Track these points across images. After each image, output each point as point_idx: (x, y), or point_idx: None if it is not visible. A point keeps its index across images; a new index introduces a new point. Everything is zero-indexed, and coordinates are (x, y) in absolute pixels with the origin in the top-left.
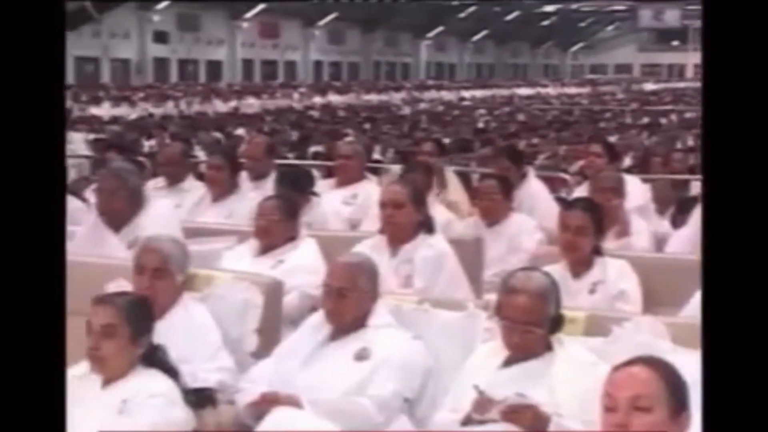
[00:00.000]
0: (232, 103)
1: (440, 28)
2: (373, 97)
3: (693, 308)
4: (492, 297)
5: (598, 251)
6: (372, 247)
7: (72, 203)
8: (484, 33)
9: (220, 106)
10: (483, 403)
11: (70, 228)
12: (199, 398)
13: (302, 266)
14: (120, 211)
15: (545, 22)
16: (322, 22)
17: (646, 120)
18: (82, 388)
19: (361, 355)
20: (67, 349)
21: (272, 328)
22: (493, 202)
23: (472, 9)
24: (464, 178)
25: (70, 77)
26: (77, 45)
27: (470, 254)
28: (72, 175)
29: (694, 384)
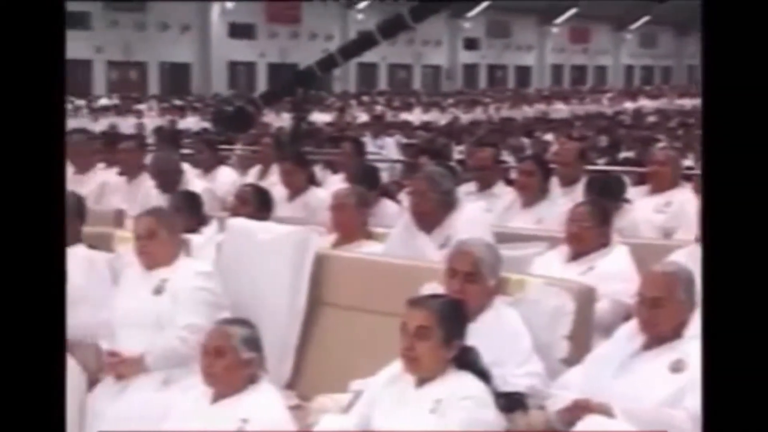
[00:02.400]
0: (541, 108)
1: None
2: (686, 102)
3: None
4: None
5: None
6: (688, 256)
7: (387, 206)
8: None
9: (528, 112)
10: None
11: (384, 230)
12: (510, 402)
13: (614, 273)
14: (432, 213)
15: None
16: (633, 26)
17: None
18: (396, 387)
19: (677, 367)
20: (381, 349)
21: (583, 335)
22: None
23: None
24: None
25: (383, 84)
26: (391, 53)
27: None
28: (384, 178)
29: None
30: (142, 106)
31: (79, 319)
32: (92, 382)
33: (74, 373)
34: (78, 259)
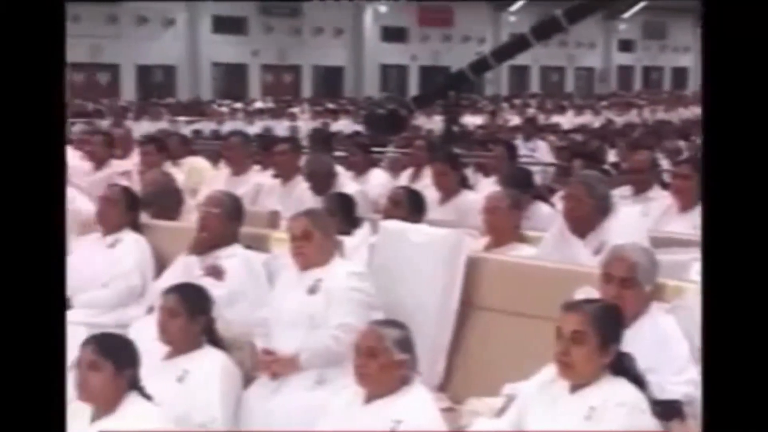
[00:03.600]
0: (698, 111)
1: None
2: None
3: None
4: None
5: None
6: None
7: (540, 209)
8: None
9: (684, 114)
10: None
11: (537, 234)
12: (666, 410)
13: None
14: (587, 218)
15: None
16: None
17: None
18: (549, 393)
19: None
20: (534, 353)
21: None
22: None
23: None
24: None
25: (535, 86)
26: (543, 55)
27: None
28: (537, 181)
29: None
30: (295, 109)
31: (236, 317)
32: (248, 380)
33: (231, 370)
34: (235, 259)
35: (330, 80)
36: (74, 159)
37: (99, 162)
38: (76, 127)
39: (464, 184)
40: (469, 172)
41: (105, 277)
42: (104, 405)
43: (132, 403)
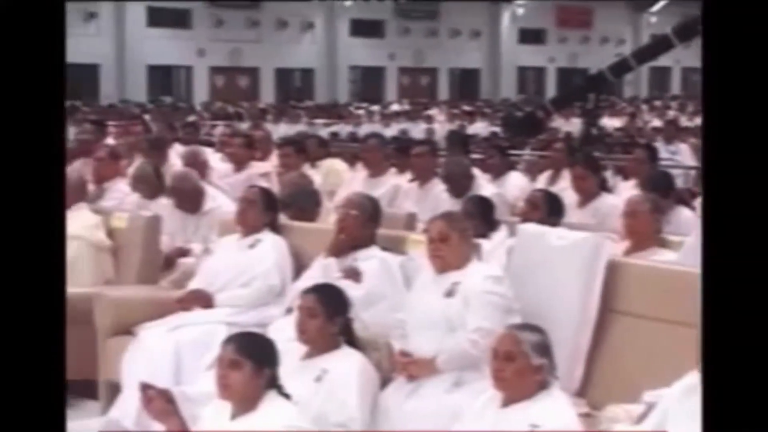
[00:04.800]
0: None
1: None
2: None
3: None
4: None
5: None
6: None
7: (682, 213)
8: None
9: None
10: None
11: (678, 238)
12: None
13: None
14: None
15: None
16: None
17: None
18: (693, 401)
19: None
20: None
21: None
22: None
23: None
24: None
25: (675, 88)
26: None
27: None
28: (679, 184)
29: None
30: (432, 112)
31: (373, 318)
32: (384, 382)
33: (368, 371)
34: (373, 260)
35: (466, 82)
36: (215, 160)
37: (239, 163)
38: (217, 130)
39: (603, 187)
40: (609, 175)
41: (245, 277)
42: (243, 403)
43: (271, 401)
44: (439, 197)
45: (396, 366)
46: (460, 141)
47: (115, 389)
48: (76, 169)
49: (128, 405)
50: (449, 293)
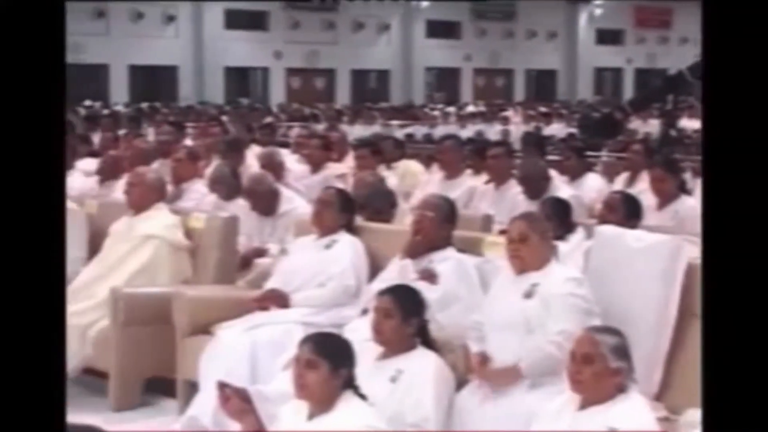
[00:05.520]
0: None
1: None
2: None
3: None
4: None
5: None
6: None
7: None
8: None
9: None
10: None
11: None
12: None
13: None
14: None
15: None
16: None
17: None
18: None
19: None
20: None
21: None
22: None
23: None
24: None
25: None
26: None
27: None
28: None
29: None
30: (507, 113)
31: (449, 320)
32: (460, 384)
33: (444, 372)
34: (449, 262)
35: (543, 84)
36: (291, 162)
37: (315, 165)
38: (293, 131)
39: (683, 189)
40: (688, 176)
41: (321, 278)
42: (320, 403)
43: (347, 402)
44: (516, 199)
45: (473, 368)
46: (536, 142)
47: (192, 388)
48: (155, 169)
49: (205, 404)
50: (528, 294)
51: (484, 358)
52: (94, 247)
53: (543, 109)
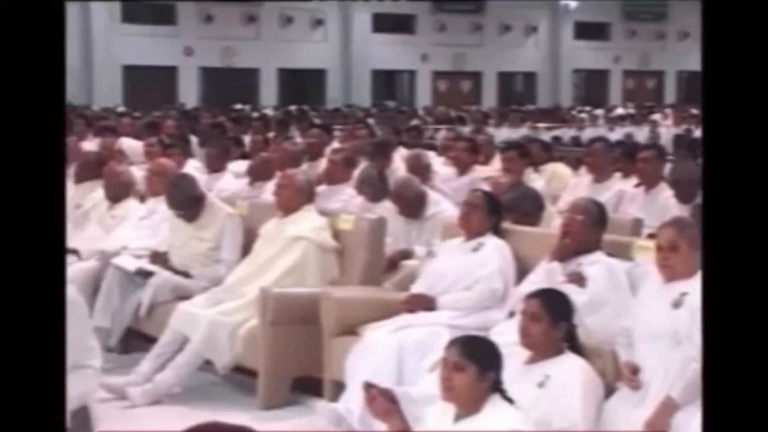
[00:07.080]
0: None
1: None
2: None
3: None
4: None
5: None
6: None
7: None
8: None
9: None
10: None
11: None
12: None
13: None
14: None
15: None
16: None
17: None
18: None
19: None
20: None
21: None
22: None
23: None
24: None
25: None
26: None
27: None
28: None
29: None
30: (657, 116)
31: (597, 325)
32: (609, 390)
33: (592, 378)
34: (598, 266)
35: (695, 86)
36: (438, 164)
37: (462, 167)
38: (440, 134)
39: None
40: None
41: (468, 280)
42: (467, 405)
43: (494, 405)
44: (667, 203)
45: (621, 375)
46: (688, 145)
47: (339, 388)
48: (304, 171)
49: (352, 403)
50: (677, 304)
51: (634, 370)
52: (245, 247)
53: (695, 112)
